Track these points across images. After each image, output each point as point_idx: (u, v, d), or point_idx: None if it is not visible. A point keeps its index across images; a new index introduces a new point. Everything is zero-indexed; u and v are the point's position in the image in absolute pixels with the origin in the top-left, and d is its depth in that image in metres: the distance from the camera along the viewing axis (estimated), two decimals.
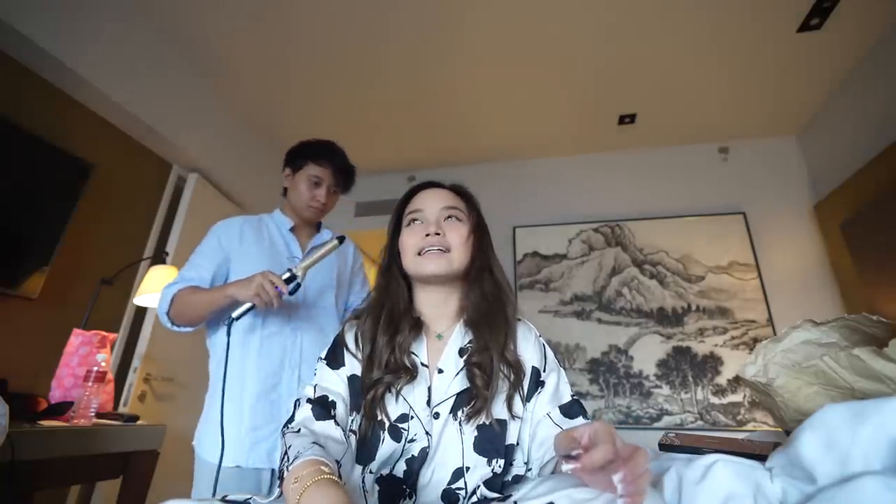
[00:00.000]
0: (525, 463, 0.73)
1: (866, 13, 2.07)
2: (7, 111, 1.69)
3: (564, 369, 0.82)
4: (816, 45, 2.25)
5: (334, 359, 0.80)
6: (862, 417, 0.56)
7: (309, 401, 0.74)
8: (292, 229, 1.33)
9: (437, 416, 0.72)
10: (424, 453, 0.70)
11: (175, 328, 1.20)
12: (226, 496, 0.61)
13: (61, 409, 1.34)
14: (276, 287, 1.02)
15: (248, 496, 0.62)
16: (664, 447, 0.98)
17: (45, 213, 1.81)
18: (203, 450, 1.14)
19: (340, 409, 0.74)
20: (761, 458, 0.72)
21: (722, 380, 2.54)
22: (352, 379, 0.78)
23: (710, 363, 2.58)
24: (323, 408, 0.73)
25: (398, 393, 0.73)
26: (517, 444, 0.73)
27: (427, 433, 0.71)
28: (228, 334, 1.04)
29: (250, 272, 1.14)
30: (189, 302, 1.14)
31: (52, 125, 1.85)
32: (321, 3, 2.08)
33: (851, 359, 0.83)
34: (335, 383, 0.77)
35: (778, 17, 2.12)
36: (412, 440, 0.71)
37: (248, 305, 1.03)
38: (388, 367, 0.74)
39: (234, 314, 1.04)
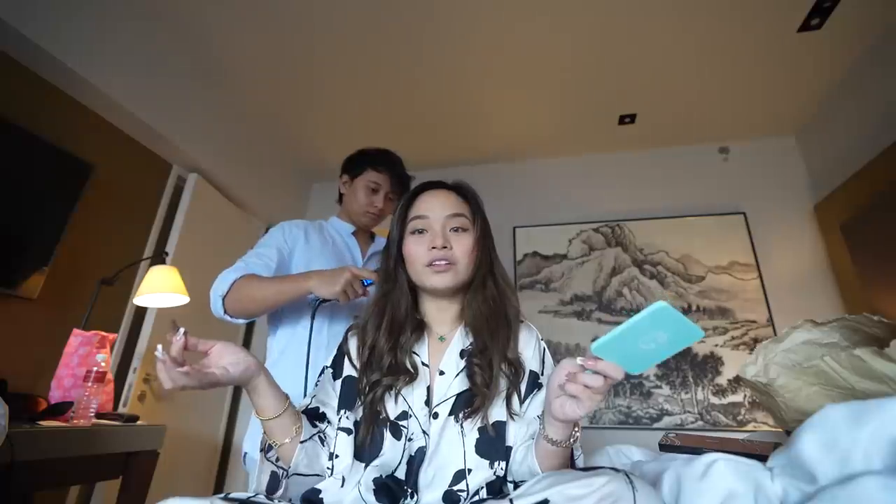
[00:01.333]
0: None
1: (866, 13, 2.07)
2: (7, 111, 1.69)
3: None
4: (816, 45, 2.25)
5: (336, 368, 0.83)
6: (863, 417, 0.56)
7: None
8: (353, 234, 1.34)
9: (435, 416, 0.73)
10: (422, 452, 0.71)
11: (225, 317, 1.09)
12: (228, 494, 0.61)
13: (61, 409, 1.34)
14: (364, 282, 0.99)
15: (251, 494, 0.62)
16: (664, 447, 0.98)
17: (45, 213, 1.81)
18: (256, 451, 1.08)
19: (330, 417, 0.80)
20: (762, 458, 0.72)
21: (722, 380, 2.53)
22: (346, 380, 0.80)
23: (711, 363, 2.58)
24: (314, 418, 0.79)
25: (397, 393, 0.74)
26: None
27: (424, 432, 0.72)
28: (313, 317, 1.04)
29: (315, 269, 1.10)
30: (255, 288, 1.05)
31: (52, 125, 1.85)
32: (325, 6, 2.08)
33: (852, 359, 0.83)
34: (331, 397, 0.81)
35: (778, 17, 2.11)
36: (410, 439, 0.72)
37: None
38: (388, 370, 0.75)
39: (321, 297, 1.01)
